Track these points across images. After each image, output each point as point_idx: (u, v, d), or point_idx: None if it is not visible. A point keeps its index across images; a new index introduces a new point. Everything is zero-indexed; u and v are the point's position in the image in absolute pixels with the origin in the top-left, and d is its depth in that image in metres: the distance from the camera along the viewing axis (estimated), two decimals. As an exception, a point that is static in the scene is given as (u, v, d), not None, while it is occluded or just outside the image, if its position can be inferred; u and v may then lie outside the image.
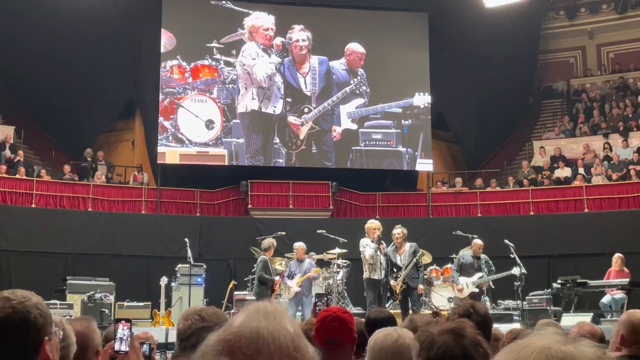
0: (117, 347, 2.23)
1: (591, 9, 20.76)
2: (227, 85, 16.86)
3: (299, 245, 10.86)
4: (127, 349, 2.22)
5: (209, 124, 16.56)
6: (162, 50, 16.60)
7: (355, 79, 17.38)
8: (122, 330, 2.24)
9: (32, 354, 1.64)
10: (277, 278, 10.34)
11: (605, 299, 11.33)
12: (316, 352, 0.97)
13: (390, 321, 3.63)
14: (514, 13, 18.28)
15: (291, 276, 10.68)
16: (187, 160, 16.43)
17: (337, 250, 11.99)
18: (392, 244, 9.82)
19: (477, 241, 10.76)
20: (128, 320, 2.26)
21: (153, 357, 2.49)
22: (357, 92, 17.40)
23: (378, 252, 9.47)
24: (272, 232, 13.00)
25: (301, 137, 16.97)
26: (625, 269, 11.37)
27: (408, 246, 9.70)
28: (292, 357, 0.91)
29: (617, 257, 11.49)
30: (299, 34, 17.30)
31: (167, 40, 16.70)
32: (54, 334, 1.71)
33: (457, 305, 3.34)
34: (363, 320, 4.52)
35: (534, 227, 15.16)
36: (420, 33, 17.84)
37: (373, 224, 9.80)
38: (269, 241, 10.64)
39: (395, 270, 9.63)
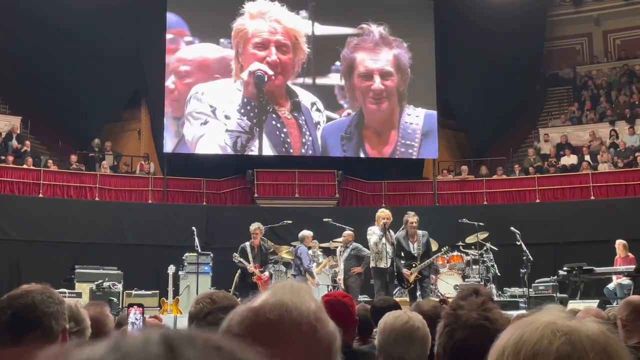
0: (129, 331, 2.27)
1: (597, -5, 20.65)
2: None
3: (309, 233, 11.02)
4: (140, 333, 2.27)
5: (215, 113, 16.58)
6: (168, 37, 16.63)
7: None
8: (134, 315, 2.28)
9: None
10: (249, 265, 10.30)
11: (611, 285, 11.35)
12: (337, 328, 1.03)
13: (395, 309, 3.68)
14: (520, 0, 18.18)
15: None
16: (193, 149, 16.47)
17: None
18: (402, 228, 9.76)
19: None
20: (140, 306, 2.31)
21: None
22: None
23: (384, 240, 9.47)
24: (279, 221, 13.07)
25: (309, 127, 16.96)
26: (630, 254, 11.37)
27: (420, 234, 9.67)
28: (313, 326, 0.97)
29: (619, 243, 11.49)
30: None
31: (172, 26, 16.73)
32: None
33: (462, 289, 3.37)
34: (368, 307, 4.57)
35: (540, 214, 15.15)
36: (426, 21, 17.78)
37: (382, 213, 9.78)
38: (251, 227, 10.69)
39: (405, 257, 9.57)
